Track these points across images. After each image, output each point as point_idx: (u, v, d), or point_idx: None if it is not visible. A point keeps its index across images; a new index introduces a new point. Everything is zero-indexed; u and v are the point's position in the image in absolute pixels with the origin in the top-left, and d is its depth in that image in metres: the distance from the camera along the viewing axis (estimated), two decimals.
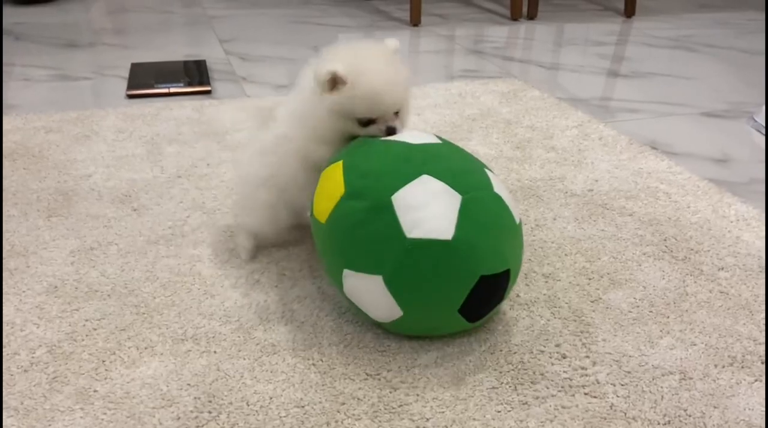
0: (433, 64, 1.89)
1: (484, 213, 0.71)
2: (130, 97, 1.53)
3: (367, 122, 0.77)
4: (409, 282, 0.69)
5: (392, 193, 0.68)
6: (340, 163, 0.74)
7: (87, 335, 0.76)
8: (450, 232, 0.67)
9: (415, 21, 2.27)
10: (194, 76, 1.66)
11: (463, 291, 0.69)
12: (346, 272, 0.72)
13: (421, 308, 0.71)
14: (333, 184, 0.73)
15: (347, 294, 0.74)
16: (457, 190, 0.69)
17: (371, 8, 2.49)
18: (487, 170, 0.75)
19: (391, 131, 0.77)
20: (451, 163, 0.74)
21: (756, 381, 0.72)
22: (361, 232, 0.70)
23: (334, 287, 0.82)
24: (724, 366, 0.74)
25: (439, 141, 0.78)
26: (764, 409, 0.69)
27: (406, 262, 0.68)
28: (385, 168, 0.72)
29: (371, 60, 0.78)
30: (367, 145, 0.76)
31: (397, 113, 0.79)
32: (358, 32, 2.20)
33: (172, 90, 1.55)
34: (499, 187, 0.74)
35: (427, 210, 0.67)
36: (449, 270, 0.68)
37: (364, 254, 0.70)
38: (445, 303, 0.71)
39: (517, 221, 0.75)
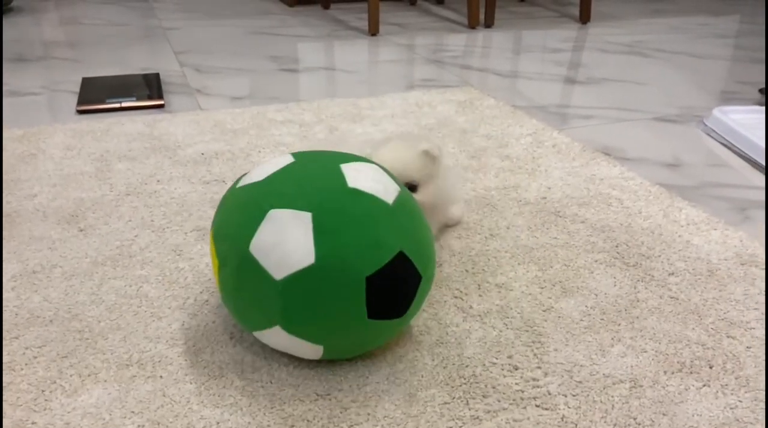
0: (392, 73, 1.89)
1: (340, 216, 0.66)
2: (81, 112, 1.49)
3: None
4: (305, 320, 0.66)
5: (248, 245, 0.65)
6: (210, 233, 0.73)
7: (26, 364, 0.74)
8: (310, 257, 0.64)
9: (373, 30, 2.27)
10: (147, 89, 1.63)
11: (360, 301, 0.66)
12: (255, 333, 0.71)
13: (335, 335, 0.68)
14: (213, 258, 0.72)
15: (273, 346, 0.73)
16: (305, 209, 0.65)
17: (329, 18, 2.49)
18: (344, 165, 0.70)
19: None
20: (298, 179, 0.69)
21: (704, 386, 0.73)
22: (244, 295, 0.68)
23: None
24: (673, 373, 0.75)
25: (292, 159, 0.72)
26: (711, 415, 0.69)
27: (290, 304, 0.65)
28: (237, 221, 0.68)
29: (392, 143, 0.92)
30: (226, 203, 0.73)
31: (414, 187, 0.89)
32: (317, 42, 2.19)
33: (124, 104, 1.52)
34: (356, 178, 0.69)
35: (284, 245, 0.64)
36: (331, 290, 0.65)
37: (255, 313, 0.69)
38: (354, 320, 0.67)
39: (391, 201, 0.69)
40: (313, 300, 0.65)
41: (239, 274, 0.67)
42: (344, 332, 0.68)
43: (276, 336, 0.69)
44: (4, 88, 1.64)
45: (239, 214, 0.69)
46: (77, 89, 1.63)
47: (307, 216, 0.65)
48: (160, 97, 1.57)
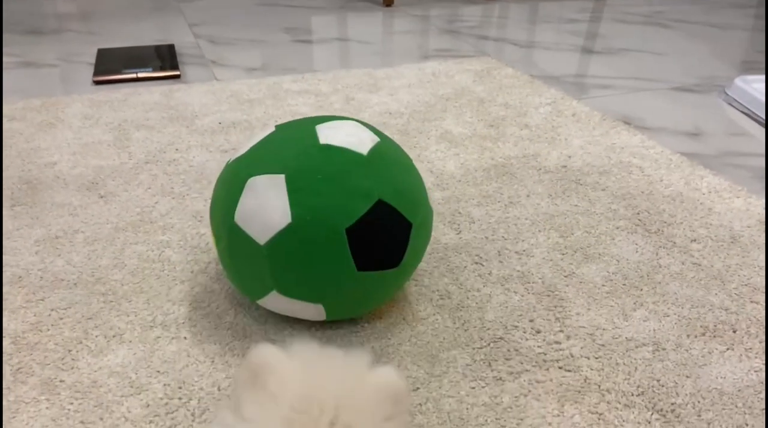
0: (407, 44, 1.87)
1: (312, 173, 0.66)
2: (97, 83, 1.49)
3: None
4: (297, 281, 0.67)
5: (233, 217, 0.67)
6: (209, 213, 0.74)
7: (53, 325, 0.75)
8: (287, 217, 0.64)
9: (388, 2, 2.24)
10: (163, 60, 1.62)
11: (345, 255, 0.65)
12: (258, 302, 0.72)
13: (330, 292, 0.68)
14: (212, 237, 0.73)
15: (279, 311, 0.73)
16: (278, 172, 0.66)
17: None
18: (319, 125, 0.70)
19: None
20: (275, 146, 0.70)
21: (728, 349, 0.73)
22: (239, 266, 0.69)
23: None
24: (696, 336, 0.75)
25: (273, 130, 0.74)
26: (735, 377, 0.69)
27: (278, 266, 0.66)
28: (223, 196, 0.69)
29: None
30: (218, 181, 0.74)
31: None
32: (330, 13, 2.17)
33: (140, 75, 1.52)
34: (329, 136, 0.69)
35: (264, 211, 0.65)
36: (314, 247, 0.65)
37: (251, 282, 0.70)
38: (344, 275, 0.66)
39: (366, 151, 0.68)
40: (299, 260, 0.65)
41: (231, 246, 0.68)
42: (338, 288, 0.68)
43: (276, 301, 0.69)
44: (21, 59, 1.64)
45: (225, 188, 0.70)
46: (93, 61, 1.62)
47: (280, 179, 0.65)
48: (176, 67, 1.57)
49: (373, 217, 0.65)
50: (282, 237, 0.64)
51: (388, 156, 0.71)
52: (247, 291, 0.72)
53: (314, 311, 0.70)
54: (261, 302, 0.71)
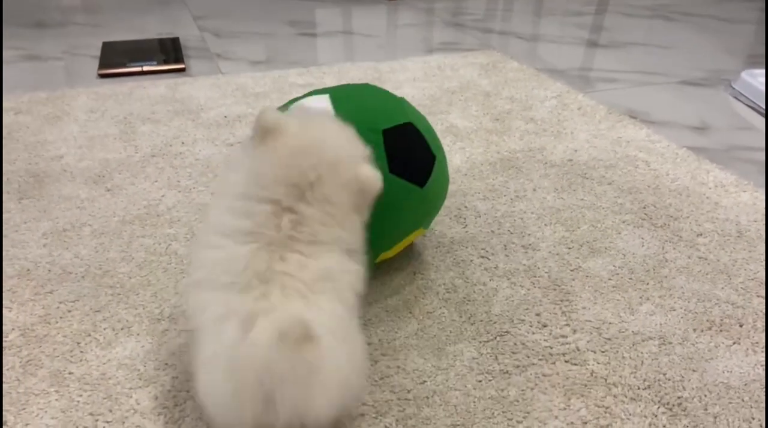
0: (412, 37, 1.87)
1: (353, 92, 0.77)
2: (102, 76, 1.49)
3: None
4: None
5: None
6: None
7: (61, 317, 0.75)
8: (330, 111, 0.71)
9: None
10: (168, 53, 1.62)
11: (380, 152, 0.69)
12: None
13: None
14: None
15: None
16: (321, 94, 0.75)
17: None
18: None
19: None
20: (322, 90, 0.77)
21: (734, 344, 0.73)
22: None
23: None
24: (702, 331, 0.75)
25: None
26: (741, 371, 0.69)
27: None
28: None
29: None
30: None
31: None
32: (335, 6, 2.17)
33: (145, 68, 1.52)
34: (374, 89, 0.79)
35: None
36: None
37: None
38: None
39: (400, 97, 0.79)
40: None
41: None
42: None
43: None
44: (26, 52, 1.64)
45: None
46: (98, 54, 1.62)
47: (324, 96, 0.74)
48: (181, 61, 1.57)
49: (405, 130, 0.73)
50: None
51: (351, 100, 0.77)
52: None
53: None
54: None
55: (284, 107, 0.75)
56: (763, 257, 0.88)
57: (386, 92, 0.79)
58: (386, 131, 0.71)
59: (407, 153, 0.73)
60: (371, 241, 0.73)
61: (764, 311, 0.78)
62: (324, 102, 0.73)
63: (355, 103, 0.74)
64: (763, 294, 0.81)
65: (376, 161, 0.67)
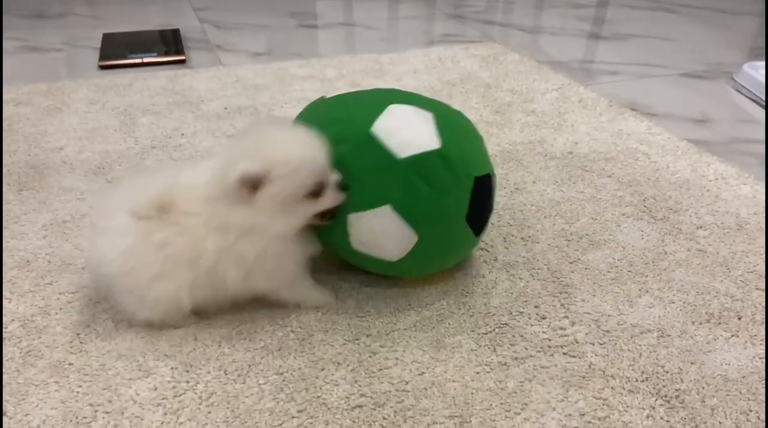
0: (413, 29, 1.86)
1: (455, 125, 0.74)
2: (103, 68, 1.49)
3: (316, 193, 0.67)
4: (416, 201, 0.69)
5: (370, 127, 0.69)
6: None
7: (61, 309, 0.75)
8: (436, 142, 0.69)
9: None
10: (168, 45, 1.62)
11: (465, 195, 0.71)
12: (350, 218, 0.69)
13: (433, 224, 0.70)
14: None
15: (356, 246, 0.71)
16: (425, 110, 0.72)
17: None
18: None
19: (342, 186, 0.68)
20: (407, 98, 0.75)
21: (732, 336, 0.73)
22: (354, 171, 0.69)
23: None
24: (701, 323, 0.75)
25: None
26: (740, 364, 0.70)
27: (408, 182, 0.68)
28: (352, 113, 0.73)
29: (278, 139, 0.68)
30: (322, 107, 0.77)
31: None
32: None
33: (146, 60, 1.52)
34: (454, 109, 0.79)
35: (408, 130, 0.69)
36: (448, 177, 0.69)
37: (365, 191, 0.69)
38: (453, 212, 0.71)
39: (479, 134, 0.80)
40: (431, 184, 0.68)
41: (355, 152, 0.69)
42: (444, 225, 0.71)
43: (376, 219, 0.69)
44: (26, 43, 1.64)
45: (354, 108, 0.74)
46: (98, 45, 1.62)
47: (428, 115, 0.72)
48: (181, 52, 1.56)
49: (488, 181, 0.74)
50: (424, 157, 0.68)
51: (455, 134, 0.75)
52: (357, 199, 0.70)
53: (405, 239, 0.70)
54: (355, 216, 0.69)
55: (383, 101, 0.72)
56: (763, 250, 0.88)
57: (471, 124, 0.79)
58: (478, 179, 0.72)
59: (484, 203, 0.74)
60: (413, 266, 0.75)
61: (763, 304, 0.78)
62: (428, 122, 0.71)
63: (457, 138, 0.72)
64: (763, 287, 0.81)
65: (456, 201, 0.71)
